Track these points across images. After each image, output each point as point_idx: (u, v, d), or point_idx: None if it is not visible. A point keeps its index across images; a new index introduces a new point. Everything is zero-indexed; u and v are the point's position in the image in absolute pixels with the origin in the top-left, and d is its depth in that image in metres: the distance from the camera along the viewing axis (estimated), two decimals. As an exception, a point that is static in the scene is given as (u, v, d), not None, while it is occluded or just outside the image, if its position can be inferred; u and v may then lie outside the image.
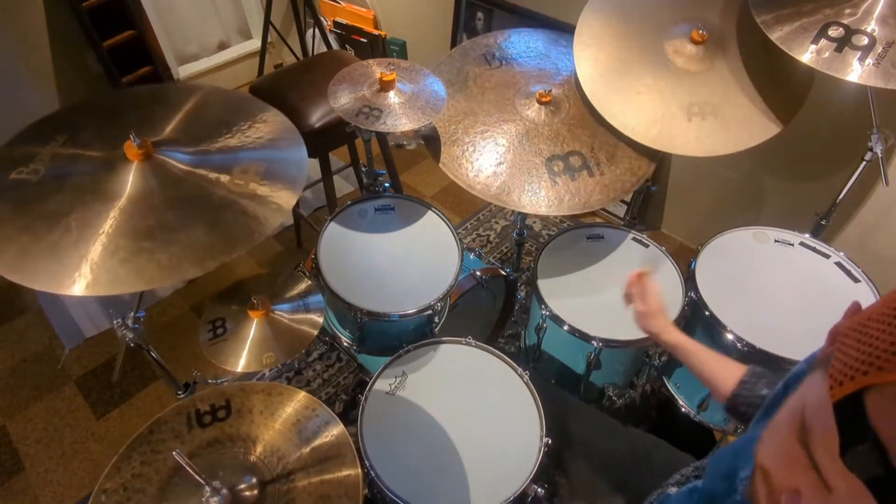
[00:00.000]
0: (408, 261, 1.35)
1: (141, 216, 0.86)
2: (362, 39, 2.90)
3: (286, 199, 0.94)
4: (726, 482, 0.60)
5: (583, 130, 1.34)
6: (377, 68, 1.31)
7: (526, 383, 1.17)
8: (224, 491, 0.79)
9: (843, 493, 0.34)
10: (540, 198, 1.26)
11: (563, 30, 1.52)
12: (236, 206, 0.91)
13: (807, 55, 1.09)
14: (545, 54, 1.49)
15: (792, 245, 1.33)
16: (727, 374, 0.91)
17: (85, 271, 0.79)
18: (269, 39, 2.69)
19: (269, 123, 1.06)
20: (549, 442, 1.06)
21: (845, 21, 1.09)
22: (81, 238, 0.82)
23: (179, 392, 1.22)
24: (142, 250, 0.82)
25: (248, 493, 0.82)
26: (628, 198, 2.24)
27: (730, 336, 1.15)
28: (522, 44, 1.52)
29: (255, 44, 3.20)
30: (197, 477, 0.76)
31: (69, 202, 0.86)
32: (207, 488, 0.78)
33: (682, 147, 1.23)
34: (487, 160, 1.31)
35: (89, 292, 0.78)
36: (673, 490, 0.78)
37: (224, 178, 0.93)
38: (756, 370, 0.90)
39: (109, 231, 0.83)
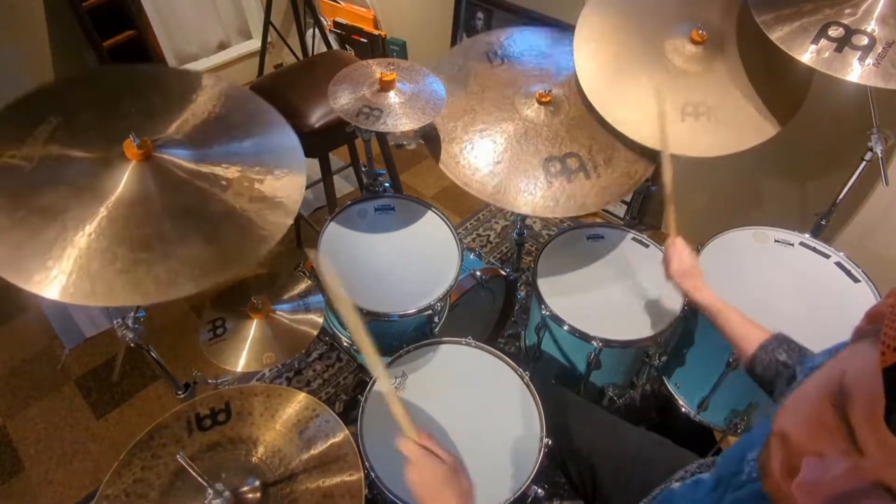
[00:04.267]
0: (408, 261, 1.35)
1: (138, 222, 0.84)
2: (362, 39, 2.90)
3: (283, 216, 0.93)
4: (735, 465, 0.61)
5: (581, 132, 1.34)
6: (377, 68, 1.31)
7: (526, 383, 1.17)
8: (227, 493, 0.79)
9: (877, 457, 0.35)
10: (536, 198, 1.26)
11: (564, 29, 1.52)
12: (235, 220, 0.89)
13: (807, 55, 1.09)
14: (547, 53, 1.49)
15: (792, 245, 1.33)
16: (752, 337, 0.95)
17: (82, 278, 0.77)
18: (269, 39, 2.69)
19: (269, 130, 1.06)
20: (549, 443, 1.06)
21: (845, 21, 1.09)
22: (78, 241, 0.81)
23: (179, 392, 1.22)
24: (139, 262, 0.80)
25: (250, 496, 0.83)
26: (628, 198, 2.24)
27: (730, 336, 1.15)
28: (525, 42, 1.51)
29: (255, 44, 3.19)
30: (200, 479, 0.76)
31: (65, 198, 0.84)
32: (210, 491, 0.78)
33: (672, 146, 1.23)
34: (485, 159, 1.31)
35: (87, 302, 0.76)
36: (676, 485, 0.78)
37: (224, 187, 0.92)
38: (780, 336, 0.93)
39: (107, 236, 0.82)
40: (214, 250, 0.85)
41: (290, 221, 0.93)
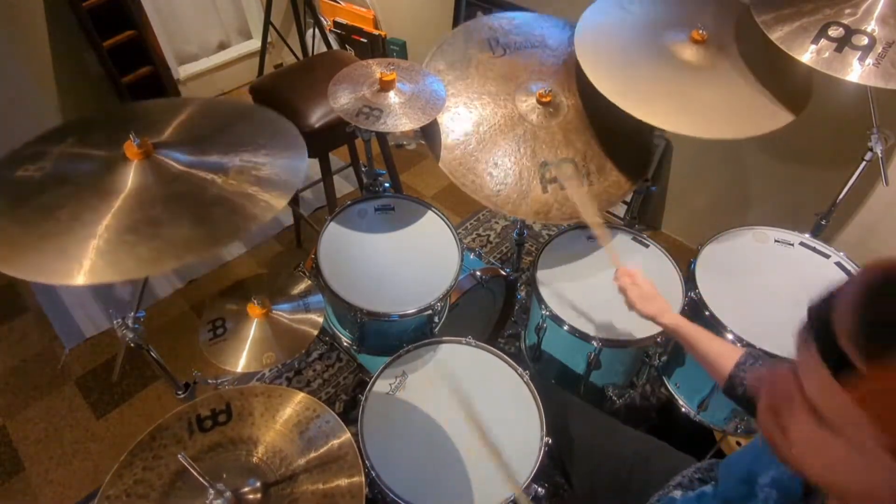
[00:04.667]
0: (408, 261, 1.35)
1: (131, 212, 0.85)
2: (362, 39, 2.90)
3: (277, 198, 0.91)
4: (745, 486, 0.61)
5: (578, 136, 1.34)
6: (377, 68, 1.31)
7: (526, 383, 1.17)
8: (228, 493, 0.79)
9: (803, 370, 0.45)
10: (528, 203, 1.26)
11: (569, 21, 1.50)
12: (227, 203, 0.89)
13: (807, 55, 1.09)
14: (550, 44, 1.47)
15: (792, 245, 1.33)
16: (725, 356, 0.93)
17: (64, 261, 0.78)
18: (269, 39, 2.69)
19: (273, 133, 1.05)
20: (550, 442, 1.07)
21: (845, 21, 1.09)
22: (70, 230, 0.81)
23: (179, 392, 1.22)
24: (123, 243, 0.81)
25: (251, 496, 0.83)
26: (628, 198, 2.24)
27: (730, 336, 1.15)
28: (528, 29, 1.49)
29: (255, 44, 3.19)
30: (201, 479, 0.76)
31: (65, 197, 0.86)
32: (211, 491, 0.78)
33: (686, 129, 1.20)
34: (483, 159, 1.31)
35: (66, 281, 0.77)
36: (677, 493, 0.78)
37: (220, 178, 0.92)
38: (753, 352, 0.91)
39: (98, 224, 0.82)
40: (202, 229, 0.85)
41: (284, 202, 0.92)
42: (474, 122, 1.35)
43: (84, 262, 0.78)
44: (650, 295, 1.05)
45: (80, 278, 0.77)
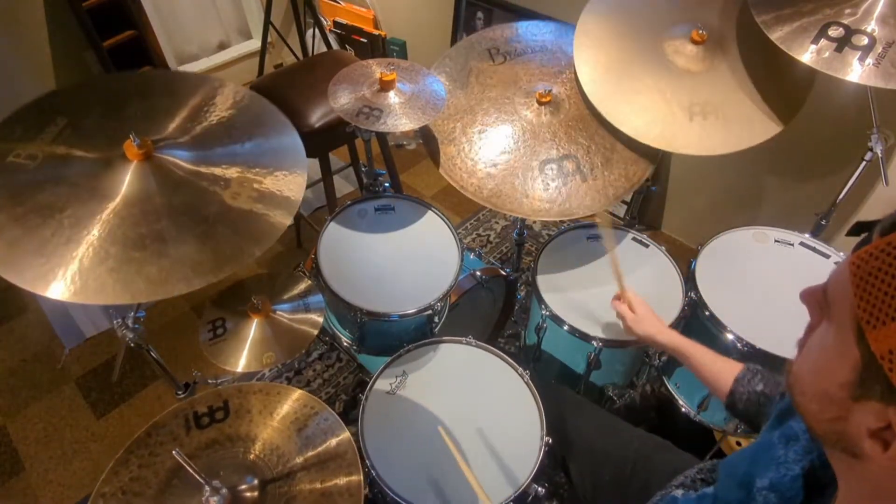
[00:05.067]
0: (408, 261, 1.35)
1: (134, 222, 0.84)
2: (362, 39, 2.90)
3: (280, 219, 0.92)
4: (743, 490, 0.60)
5: (581, 132, 1.34)
6: (377, 68, 1.31)
7: (526, 383, 1.17)
8: (224, 490, 0.79)
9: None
10: (531, 201, 1.26)
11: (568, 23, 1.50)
12: (230, 221, 0.89)
13: (807, 55, 1.09)
14: (551, 48, 1.48)
15: (792, 245, 1.33)
16: (725, 372, 0.93)
17: (73, 275, 0.77)
18: (269, 39, 2.69)
19: (271, 131, 1.05)
20: (550, 441, 1.06)
21: (845, 21, 1.09)
22: (73, 238, 0.80)
23: (179, 392, 1.22)
24: (131, 260, 0.80)
25: (248, 494, 0.82)
26: (628, 198, 2.24)
27: (730, 336, 1.15)
28: (528, 36, 1.50)
29: (255, 44, 3.19)
30: (196, 476, 0.76)
31: (65, 197, 0.84)
32: (207, 488, 0.77)
33: (683, 146, 1.22)
34: (483, 161, 1.31)
35: (76, 299, 0.76)
36: (679, 493, 0.78)
37: (222, 188, 0.92)
38: (752, 367, 0.92)
39: (102, 235, 0.81)
40: (208, 250, 0.85)
41: (288, 222, 0.92)
42: (475, 128, 1.35)
43: (95, 280, 0.77)
44: (645, 318, 1.10)
45: (93, 297, 0.76)
